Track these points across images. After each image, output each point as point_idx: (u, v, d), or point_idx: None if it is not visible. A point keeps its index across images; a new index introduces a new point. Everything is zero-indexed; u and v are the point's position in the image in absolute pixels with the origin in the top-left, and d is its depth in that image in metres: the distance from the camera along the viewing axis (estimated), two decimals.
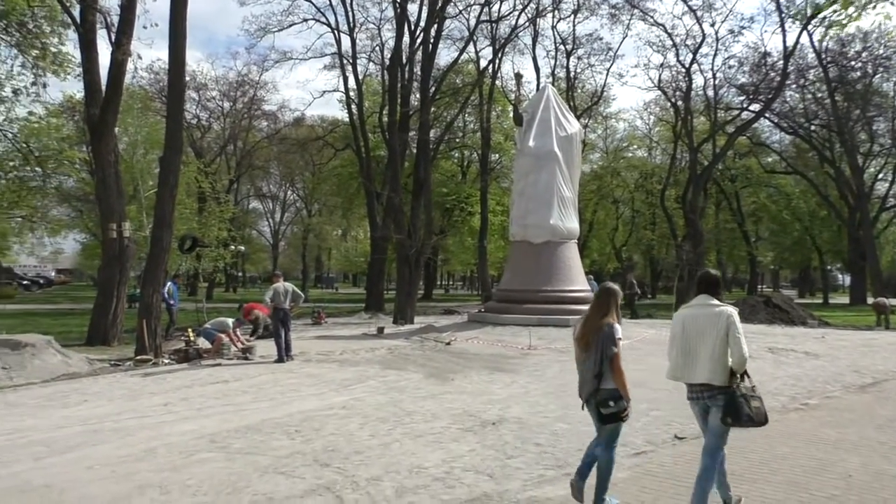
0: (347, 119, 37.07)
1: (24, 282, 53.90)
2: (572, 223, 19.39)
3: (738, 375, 4.50)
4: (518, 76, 22.81)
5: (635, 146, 52.10)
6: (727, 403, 4.45)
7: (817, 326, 21.53)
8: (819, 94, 40.35)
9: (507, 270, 20.92)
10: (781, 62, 33.12)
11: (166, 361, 12.83)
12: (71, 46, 18.19)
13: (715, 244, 45.24)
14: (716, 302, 4.65)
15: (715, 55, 39.46)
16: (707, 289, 4.73)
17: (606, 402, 4.65)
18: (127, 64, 16.31)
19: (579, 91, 40.38)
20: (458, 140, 44.22)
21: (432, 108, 30.02)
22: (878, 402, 9.07)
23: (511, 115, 27.07)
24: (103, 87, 16.47)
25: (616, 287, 4.97)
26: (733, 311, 4.60)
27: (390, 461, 6.02)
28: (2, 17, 16.08)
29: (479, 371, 11.66)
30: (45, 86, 17.49)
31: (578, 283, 19.13)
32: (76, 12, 16.45)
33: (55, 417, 7.82)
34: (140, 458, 6.06)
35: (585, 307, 18.64)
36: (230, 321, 13.98)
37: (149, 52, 71.32)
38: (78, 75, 17.39)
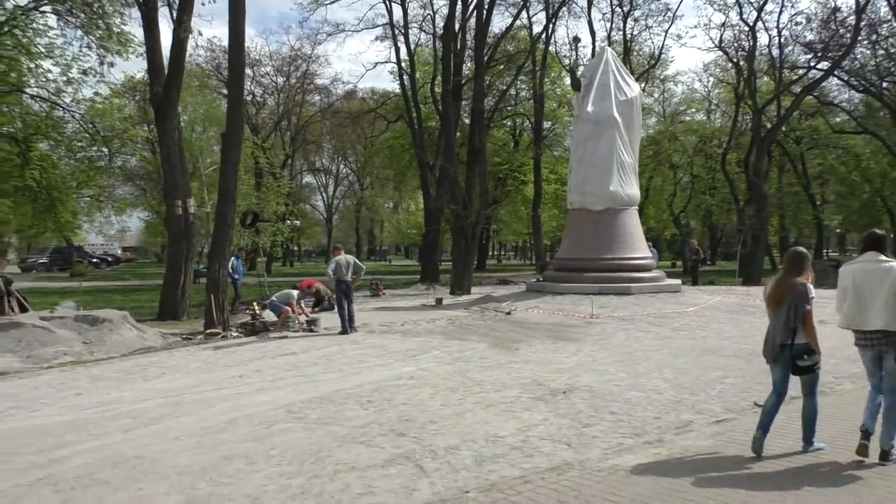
0: (399, 91, 36.94)
1: (94, 260, 56.06)
2: (632, 189, 18.92)
3: None
4: (576, 39, 22.06)
5: (693, 109, 50.49)
6: None
7: None
8: (892, 50, 38.22)
9: (566, 239, 20.61)
10: (852, 17, 31.37)
11: (234, 335, 13.13)
12: (134, 26, 18.50)
13: (778, 208, 43.60)
14: (884, 258, 5.17)
15: (781, 12, 38.03)
16: (875, 246, 5.23)
17: (801, 355, 5.16)
18: (188, 41, 16.52)
19: (635, 54, 39.19)
20: (510, 108, 43.59)
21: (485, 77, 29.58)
22: None
23: (567, 80, 26.48)
24: (165, 66, 16.76)
25: (807, 251, 5.44)
26: None
27: (465, 430, 6.03)
28: None
29: (542, 340, 11.60)
30: (112, 65, 17.92)
31: (640, 250, 18.73)
32: None
33: (137, 390, 8.09)
34: (222, 429, 6.22)
35: (647, 274, 18.17)
36: (295, 293, 14.23)
37: (205, 30, 72.28)
38: (140, 55, 17.72)
